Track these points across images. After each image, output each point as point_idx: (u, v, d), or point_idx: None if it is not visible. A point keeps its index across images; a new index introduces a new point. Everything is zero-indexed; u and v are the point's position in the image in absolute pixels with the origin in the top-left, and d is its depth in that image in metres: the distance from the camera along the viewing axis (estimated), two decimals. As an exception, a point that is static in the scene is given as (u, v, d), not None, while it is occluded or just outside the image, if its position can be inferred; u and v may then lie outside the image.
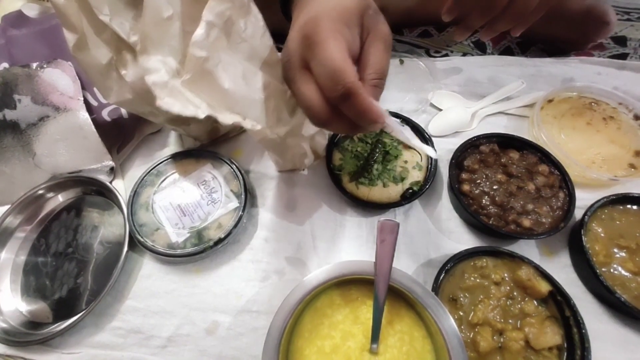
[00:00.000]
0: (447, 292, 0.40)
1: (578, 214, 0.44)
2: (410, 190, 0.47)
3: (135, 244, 0.45)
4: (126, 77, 0.38)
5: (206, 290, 0.44)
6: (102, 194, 0.50)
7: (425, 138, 0.51)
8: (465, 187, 0.47)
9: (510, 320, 0.38)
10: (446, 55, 0.67)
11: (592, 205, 0.43)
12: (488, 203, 0.45)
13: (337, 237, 0.47)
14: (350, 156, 0.49)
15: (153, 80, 0.31)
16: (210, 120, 0.50)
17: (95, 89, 0.54)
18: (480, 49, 0.68)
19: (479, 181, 0.47)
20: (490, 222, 0.44)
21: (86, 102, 0.52)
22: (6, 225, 0.48)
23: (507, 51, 0.68)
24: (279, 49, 0.36)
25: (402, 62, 0.64)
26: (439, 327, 0.32)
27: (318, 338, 0.34)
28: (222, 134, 0.55)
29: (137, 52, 0.32)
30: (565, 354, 0.37)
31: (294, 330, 0.35)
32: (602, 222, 0.44)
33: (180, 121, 0.48)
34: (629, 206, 0.44)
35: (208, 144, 0.55)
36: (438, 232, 0.47)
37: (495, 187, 0.46)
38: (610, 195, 0.44)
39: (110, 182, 0.51)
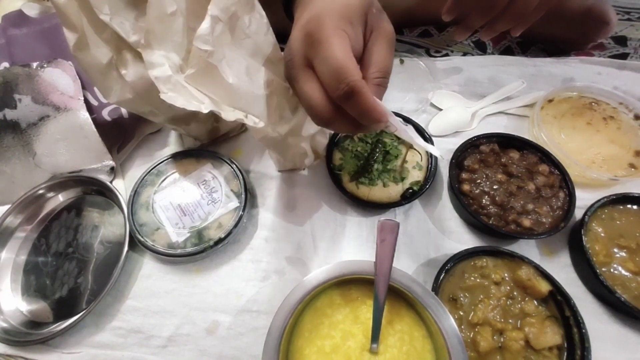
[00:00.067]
0: (447, 292, 0.40)
1: (578, 213, 0.44)
2: (411, 190, 0.47)
3: (135, 244, 0.45)
4: (126, 77, 0.38)
5: (206, 290, 0.44)
6: (103, 193, 0.50)
7: (425, 138, 0.51)
8: (466, 187, 0.47)
9: (510, 320, 0.38)
10: (446, 55, 0.67)
11: (592, 205, 0.43)
12: (488, 203, 0.45)
13: (337, 236, 0.47)
14: (351, 156, 0.49)
15: (156, 74, 0.31)
16: (211, 120, 0.50)
17: (95, 89, 0.54)
18: (481, 48, 0.68)
19: (479, 181, 0.47)
20: (491, 221, 0.44)
21: (86, 101, 0.52)
22: (6, 225, 0.48)
23: (507, 51, 0.68)
24: (281, 49, 0.36)
25: (402, 61, 0.64)
26: (439, 327, 0.32)
27: (318, 338, 0.34)
28: (222, 134, 0.55)
29: (141, 46, 0.32)
30: (566, 353, 0.37)
31: (294, 330, 0.35)
32: (602, 222, 0.44)
33: (180, 121, 0.48)
34: (629, 206, 0.44)
35: (208, 144, 0.55)
36: (438, 231, 0.47)
37: (495, 186, 0.46)
38: (610, 195, 0.44)
39: (111, 182, 0.51)
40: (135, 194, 0.47)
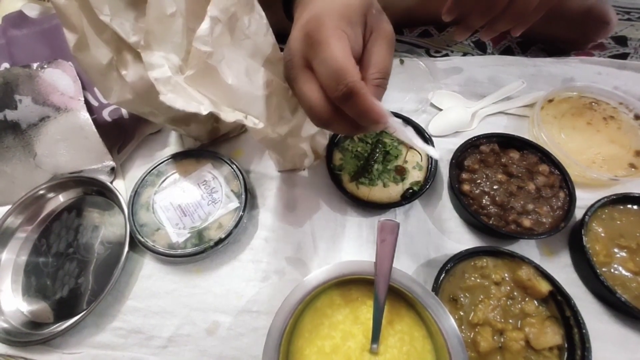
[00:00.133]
0: (447, 292, 0.40)
1: (578, 213, 0.44)
2: (411, 190, 0.47)
3: (135, 244, 0.45)
4: (126, 78, 0.38)
5: (207, 290, 0.44)
6: (103, 194, 0.50)
7: (425, 138, 0.51)
8: (466, 187, 0.47)
9: (510, 320, 0.38)
10: (446, 55, 0.67)
11: (592, 205, 0.43)
12: (488, 203, 0.45)
13: (337, 237, 0.47)
14: (351, 156, 0.49)
15: (156, 75, 0.31)
16: (211, 120, 0.50)
17: (95, 89, 0.55)
18: (481, 48, 0.68)
19: (479, 181, 0.47)
20: (491, 222, 0.44)
21: (87, 102, 0.52)
22: (7, 225, 0.48)
23: (507, 51, 0.68)
24: (281, 49, 0.36)
25: (402, 62, 0.64)
26: (439, 327, 0.32)
27: (318, 338, 0.34)
28: (222, 134, 0.55)
29: (140, 47, 0.32)
30: (566, 354, 0.37)
31: (294, 330, 0.35)
32: (602, 222, 0.44)
33: (180, 121, 0.48)
34: (629, 206, 0.44)
35: (208, 144, 0.55)
36: (438, 232, 0.47)
37: (495, 187, 0.46)
38: (610, 195, 0.44)
39: (111, 182, 0.51)
40: (136, 194, 0.47)
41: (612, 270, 0.41)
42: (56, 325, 0.42)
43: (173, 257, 0.44)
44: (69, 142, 0.51)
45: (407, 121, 0.52)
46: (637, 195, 0.44)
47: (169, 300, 0.44)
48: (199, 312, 0.43)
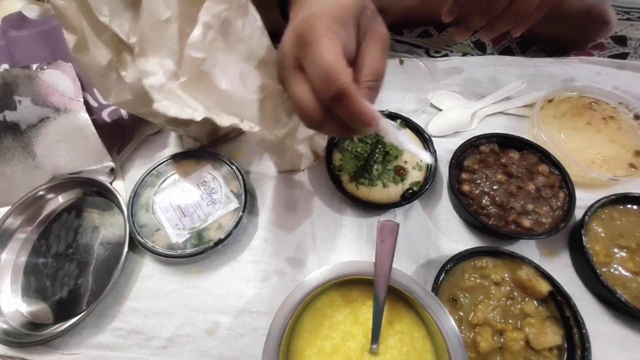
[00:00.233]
0: (447, 293, 0.40)
1: (578, 214, 0.44)
2: (410, 191, 0.47)
3: (135, 245, 0.45)
4: (126, 78, 0.38)
5: (206, 290, 0.44)
6: (103, 194, 0.50)
7: (425, 138, 0.51)
8: (465, 187, 0.47)
9: (510, 321, 0.38)
10: (446, 55, 0.67)
11: (592, 205, 0.43)
12: (488, 203, 0.45)
13: (337, 237, 0.47)
14: (350, 157, 0.49)
15: (150, 83, 0.31)
16: (210, 121, 0.50)
17: (95, 90, 0.55)
18: (480, 49, 0.68)
19: (479, 181, 0.47)
20: (490, 222, 0.44)
21: (86, 103, 0.52)
22: (7, 226, 0.48)
23: (507, 51, 0.68)
24: (276, 49, 0.36)
25: (402, 62, 0.64)
26: (439, 328, 0.32)
27: (318, 338, 0.34)
28: (222, 135, 0.55)
29: (135, 55, 0.32)
30: (566, 354, 0.37)
31: (294, 330, 0.35)
32: (602, 222, 0.44)
33: (180, 122, 0.48)
34: (629, 206, 0.44)
35: (208, 145, 0.55)
36: (438, 232, 0.47)
37: (495, 187, 0.46)
38: (610, 195, 0.44)
39: (111, 183, 0.51)
40: (135, 195, 0.47)
41: (612, 270, 0.41)
42: (56, 326, 0.42)
43: (173, 258, 0.44)
44: (68, 143, 0.51)
45: (407, 121, 0.52)
46: (637, 195, 0.44)
47: (168, 300, 0.44)
48: (198, 312, 0.43)
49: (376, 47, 0.31)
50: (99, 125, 0.52)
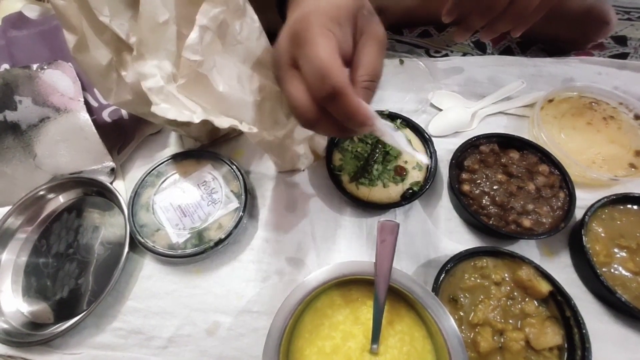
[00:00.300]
0: (447, 293, 0.40)
1: (578, 214, 0.44)
2: (411, 191, 0.47)
3: (135, 245, 0.45)
4: (126, 78, 0.38)
5: (207, 290, 0.44)
6: (103, 194, 0.50)
7: (425, 138, 0.51)
8: (466, 187, 0.47)
9: (510, 321, 0.38)
10: (446, 55, 0.67)
11: (592, 205, 0.43)
12: (488, 203, 0.45)
13: (338, 237, 0.47)
14: (351, 156, 0.49)
15: (149, 86, 0.31)
16: (210, 121, 0.50)
17: (95, 90, 0.55)
18: (481, 48, 0.68)
19: (479, 181, 0.47)
20: (491, 222, 0.44)
21: (86, 103, 0.52)
22: (7, 226, 0.48)
23: (507, 51, 0.68)
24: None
25: (402, 62, 0.64)
26: (439, 328, 0.32)
27: (318, 338, 0.34)
28: (222, 135, 0.55)
29: (133, 58, 0.32)
30: (566, 354, 0.37)
31: (294, 330, 0.35)
32: (602, 222, 0.44)
33: (180, 122, 0.48)
34: (629, 206, 0.44)
35: (208, 145, 0.55)
36: (438, 232, 0.47)
37: (495, 187, 0.46)
38: (610, 195, 0.44)
39: (111, 183, 0.51)
40: (136, 195, 0.47)
41: (612, 270, 0.41)
42: (56, 325, 0.42)
43: (173, 258, 0.44)
44: (69, 143, 0.51)
45: (407, 122, 0.52)
46: (637, 195, 0.44)
47: (169, 300, 0.44)
48: (199, 312, 0.43)
49: (373, 47, 0.30)
50: (99, 125, 0.52)
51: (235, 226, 0.45)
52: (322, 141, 0.49)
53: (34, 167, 0.51)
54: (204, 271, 0.46)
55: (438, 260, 0.44)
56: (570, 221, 0.43)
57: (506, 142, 0.50)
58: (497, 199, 0.45)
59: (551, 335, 0.36)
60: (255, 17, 0.35)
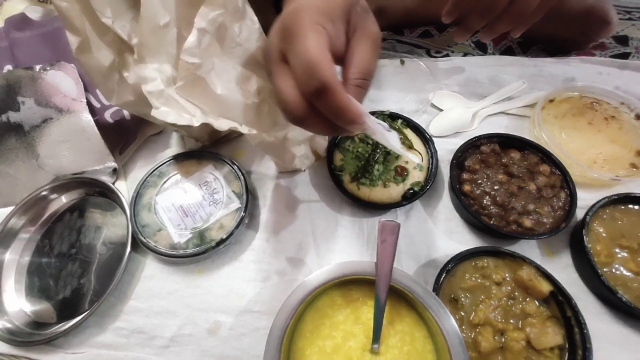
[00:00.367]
0: (448, 292, 0.40)
1: (579, 214, 0.44)
2: (411, 191, 0.47)
3: (138, 245, 0.45)
4: (128, 79, 0.38)
5: (208, 290, 0.45)
6: (105, 195, 0.51)
7: (426, 138, 0.51)
8: (466, 188, 0.47)
9: (511, 320, 0.38)
10: (447, 55, 0.67)
11: (593, 205, 0.43)
12: (489, 203, 0.45)
13: (338, 237, 0.47)
14: (351, 157, 0.49)
15: (149, 89, 0.31)
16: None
17: (97, 91, 0.55)
18: (481, 49, 0.68)
19: (480, 181, 0.47)
20: (491, 222, 0.44)
21: (89, 103, 0.53)
22: (10, 226, 0.48)
23: (508, 51, 0.68)
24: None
25: (402, 62, 0.64)
26: (440, 327, 0.32)
27: (319, 338, 0.34)
28: (223, 135, 0.55)
29: (134, 61, 0.32)
30: (567, 354, 0.37)
31: (295, 330, 0.35)
32: (603, 222, 0.44)
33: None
34: (630, 206, 0.44)
35: (210, 145, 0.55)
36: (439, 232, 0.47)
37: (496, 187, 0.46)
38: (611, 195, 0.44)
39: (113, 183, 0.51)
40: (138, 195, 0.48)
41: (613, 270, 0.41)
42: (59, 325, 0.42)
43: (175, 258, 0.44)
44: (71, 144, 0.51)
45: (408, 122, 0.52)
46: (638, 195, 0.44)
47: (170, 300, 0.44)
48: (200, 312, 0.43)
49: (366, 45, 0.30)
50: (101, 125, 0.52)
51: (237, 226, 0.45)
52: (323, 141, 0.49)
53: (36, 167, 0.51)
54: (206, 271, 0.46)
55: (439, 260, 0.44)
56: (571, 221, 0.43)
57: (507, 142, 0.50)
58: (498, 199, 0.45)
59: (552, 335, 0.36)
60: (255, 18, 0.35)
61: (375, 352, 0.33)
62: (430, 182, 0.47)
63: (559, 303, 0.38)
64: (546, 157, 0.48)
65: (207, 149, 0.54)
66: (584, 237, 0.41)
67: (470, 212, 0.44)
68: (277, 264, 0.46)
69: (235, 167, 0.49)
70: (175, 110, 0.31)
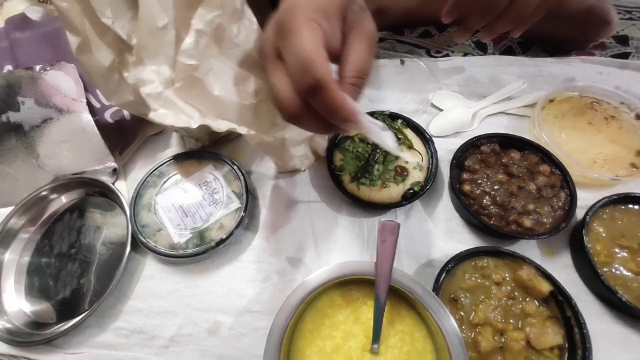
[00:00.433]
0: (448, 292, 0.40)
1: (579, 213, 0.44)
2: (411, 191, 0.47)
3: (137, 245, 0.45)
4: (128, 79, 0.38)
5: (208, 290, 0.45)
6: (105, 195, 0.51)
7: (426, 138, 0.51)
8: (466, 187, 0.47)
9: (511, 320, 0.38)
10: (447, 55, 0.67)
11: (593, 205, 0.43)
12: (489, 203, 0.45)
13: (338, 237, 0.47)
14: (351, 157, 0.49)
15: (147, 92, 0.31)
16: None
17: (97, 91, 0.55)
18: (481, 48, 0.68)
19: (479, 181, 0.47)
20: (491, 222, 0.44)
21: (89, 104, 0.53)
22: (10, 226, 0.48)
23: (508, 51, 0.68)
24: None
25: (402, 62, 0.64)
26: (439, 327, 0.32)
27: (319, 338, 0.34)
28: (223, 135, 0.55)
29: (132, 63, 0.32)
30: (567, 354, 0.37)
31: (295, 330, 0.35)
32: (603, 222, 0.44)
33: (180, 124, 0.48)
34: (630, 206, 0.44)
35: (209, 145, 0.55)
36: (439, 232, 0.47)
37: (496, 187, 0.46)
38: (611, 195, 0.44)
39: (113, 183, 0.51)
40: (138, 195, 0.48)
41: (613, 270, 0.41)
42: (59, 325, 0.42)
43: (175, 258, 0.44)
44: (71, 144, 0.51)
45: (408, 122, 0.52)
46: (638, 195, 0.44)
47: (170, 300, 0.44)
48: (200, 312, 0.43)
49: (362, 43, 0.29)
50: (101, 126, 0.52)
51: (237, 226, 0.45)
52: (322, 141, 0.49)
53: (36, 167, 0.51)
54: (206, 271, 0.46)
55: (439, 260, 0.44)
56: (571, 221, 0.43)
57: (507, 142, 0.50)
58: (497, 199, 0.45)
59: (552, 335, 0.36)
60: (254, 19, 0.34)
61: (375, 352, 0.33)
62: (430, 182, 0.47)
63: (559, 303, 0.38)
64: (546, 157, 0.48)
65: (207, 149, 0.54)
66: (584, 237, 0.41)
67: (470, 212, 0.44)
68: (277, 264, 0.46)
69: (235, 167, 0.49)
70: (174, 112, 0.31)
